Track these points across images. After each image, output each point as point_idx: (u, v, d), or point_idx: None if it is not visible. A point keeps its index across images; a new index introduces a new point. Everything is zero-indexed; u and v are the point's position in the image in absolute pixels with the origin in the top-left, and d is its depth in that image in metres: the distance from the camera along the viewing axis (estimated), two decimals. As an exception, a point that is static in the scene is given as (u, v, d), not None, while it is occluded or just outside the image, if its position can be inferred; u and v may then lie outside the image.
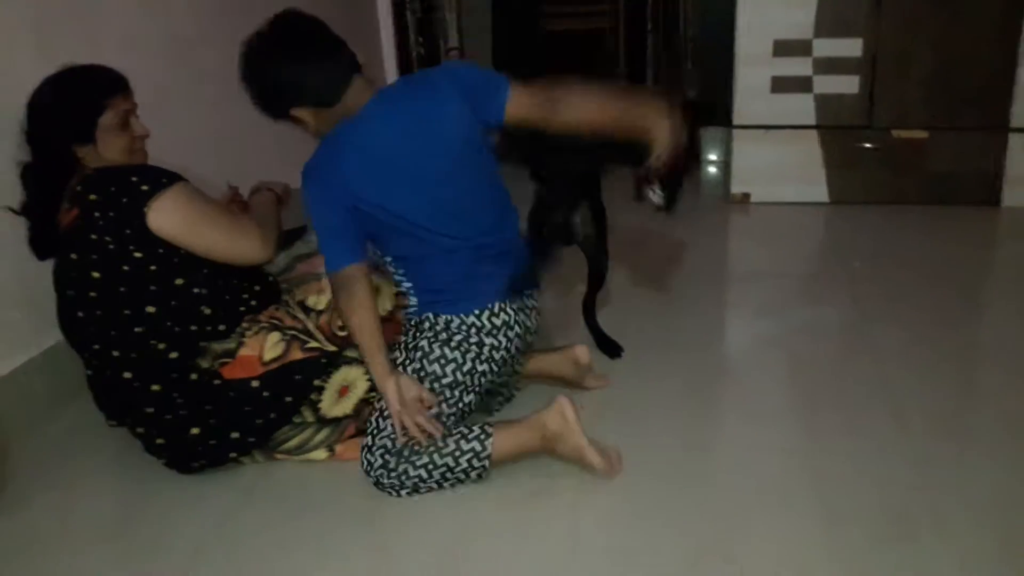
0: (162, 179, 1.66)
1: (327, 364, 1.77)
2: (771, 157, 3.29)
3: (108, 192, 1.63)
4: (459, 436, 1.67)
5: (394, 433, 1.67)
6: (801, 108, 3.24)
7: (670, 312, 2.45)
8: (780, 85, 3.22)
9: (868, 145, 3.25)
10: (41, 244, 1.76)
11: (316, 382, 1.76)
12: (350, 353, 1.80)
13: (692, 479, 1.71)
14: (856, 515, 1.57)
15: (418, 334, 1.73)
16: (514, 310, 1.75)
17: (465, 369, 1.71)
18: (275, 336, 1.76)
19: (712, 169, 3.83)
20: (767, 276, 2.73)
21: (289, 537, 1.60)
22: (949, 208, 3.18)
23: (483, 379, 1.75)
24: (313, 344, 1.78)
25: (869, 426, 1.85)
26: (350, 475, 1.74)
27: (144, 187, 1.63)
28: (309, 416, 1.78)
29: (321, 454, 1.81)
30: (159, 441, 1.74)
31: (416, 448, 1.65)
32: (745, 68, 3.24)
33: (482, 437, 1.67)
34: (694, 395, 2.01)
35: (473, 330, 1.71)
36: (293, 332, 1.78)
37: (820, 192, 3.33)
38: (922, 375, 2.06)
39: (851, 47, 3.16)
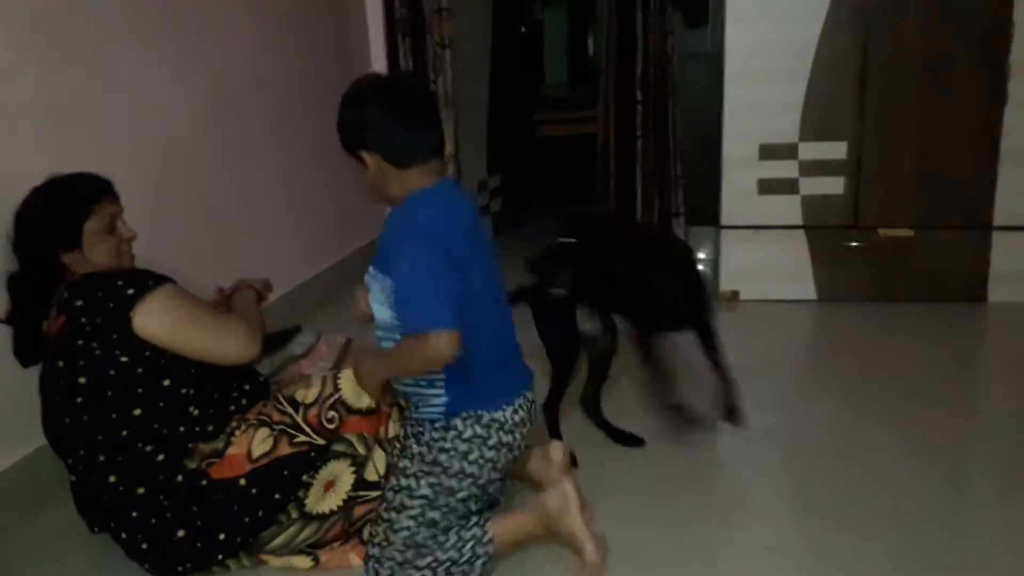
0: (148, 282, 1.68)
1: (315, 458, 1.76)
2: (759, 256, 3.34)
3: (94, 297, 1.65)
4: (458, 527, 1.65)
5: (403, 547, 1.64)
6: (788, 209, 3.31)
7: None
8: (767, 187, 3.30)
9: (855, 244, 3.30)
10: (26, 352, 1.78)
11: (304, 478, 1.75)
12: (337, 447, 1.78)
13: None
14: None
15: (438, 444, 1.67)
16: (526, 406, 1.74)
17: (480, 483, 1.69)
18: (264, 432, 1.75)
19: (701, 268, 3.87)
20: (758, 373, 2.73)
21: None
22: (936, 305, 3.21)
23: (491, 486, 1.74)
24: (301, 438, 1.76)
25: (867, 525, 1.83)
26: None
27: (130, 291, 1.65)
28: (294, 513, 1.76)
29: (305, 562, 1.77)
30: (143, 546, 1.70)
31: (421, 551, 1.63)
32: (732, 171, 3.32)
33: (480, 522, 1.65)
34: (687, 490, 1.99)
35: (495, 427, 1.68)
36: (282, 427, 1.76)
37: (808, 290, 3.36)
38: (916, 472, 2.04)
39: (836, 150, 3.25)
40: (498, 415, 1.67)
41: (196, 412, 1.72)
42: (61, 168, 1.76)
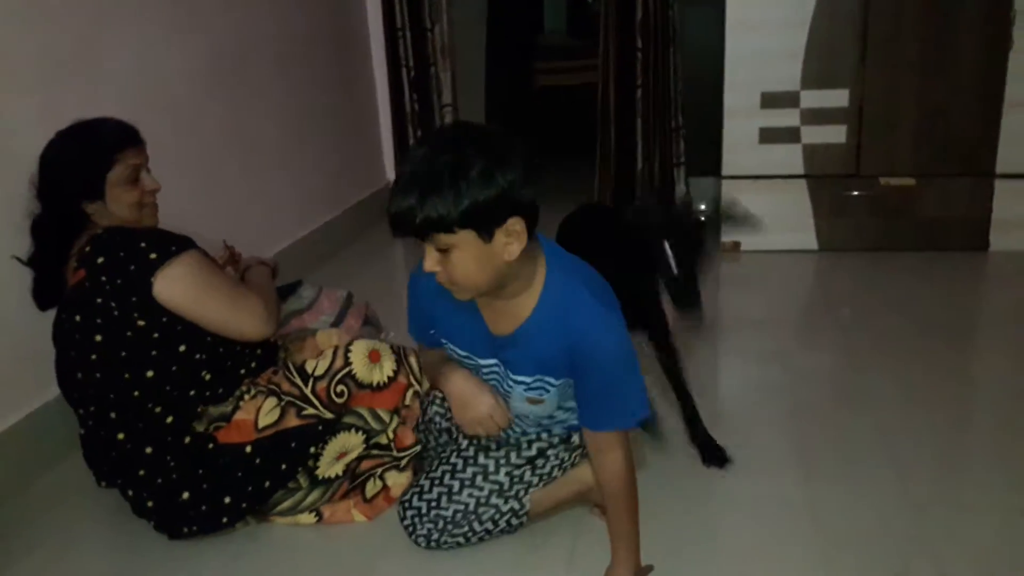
0: (171, 247, 1.65)
1: (323, 432, 1.76)
2: (760, 206, 3.26)
3: (116, 257, 1.62)
4: (498, 503, 1.66)
5: (451, 514, 1.65)
6: (789, 158, 3.28)
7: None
8: (768, 136, 3.27)
9: (856, 193, 3.28)
10: (44, 296, 1.76)
11: (312, 449, 1.75)
12: (349, 419, 1.78)
13: (688, 530, 1.71)
14: (856, 567, 1.56)
15: (551, 451, 1.69)
16: None
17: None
18: (271, 401, 1.75)
19: (703, 219, 3.86)
20: (759, 323, 2.74)
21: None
22: (938, 254, 3.20)
23: None
24: (310, 411, 1.76)
25: (867, 474, 1.85)
26: (340, 538, 1.74)
27: (152, 255, 1.62)
28: (303, 480, 1.77)
29: (309, 518, 1.79)
30: (149, 504, 1.72)
31: (463, 520, 1.64)
32: (733, 120, 3.29)
33: (520, 495, 1.66)
34: (685, 441, 2.00)
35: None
36: (290, 398, 1.76)
37: (809, 240, 3.35)
38: (916, 421, 2.06)
39: (838, 98, 3.21)
40: None
41: (208, 377, 1.72)
42: (55, 128, 1.72)
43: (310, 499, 1.78)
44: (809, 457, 1.94)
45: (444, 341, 1.60)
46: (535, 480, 1.67)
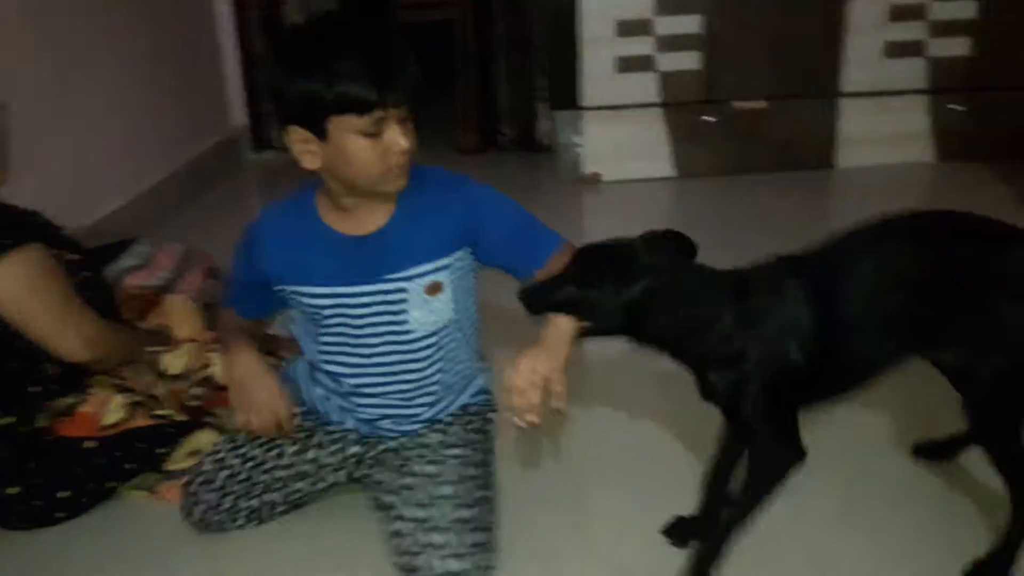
0: (8, 240, 1.48)
1: (175, 433, 1.65)
2: (619, 136, 3.34)
3: None
4: None
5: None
6: (646, 86, 3.29)
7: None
8: (625, 65, 3.27)
9: (710, 119, 3.33)
10: None
11: (161, 450, 1.64)
12: (207, 418, 1.68)
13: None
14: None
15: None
16: None
17: None
18: (119, 399, 1.63)
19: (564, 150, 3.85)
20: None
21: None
22: (791, 173, 3.31)
23: None
24: (162, 411, 1.65)
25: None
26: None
27: None
28: (152, 474, 1.67)
29: (141, 494, 1.68)
30: None
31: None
32: (590, 50, 3.26)
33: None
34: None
35: None
36: (139, 398, 1.64)
37: (668, 167, 3.40)
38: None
39: (691, 23, 3.22)
40: None
41: (51, 371, 1.59)
42: None
43: (148, 482, 1.67)
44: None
45: (296, 291, 1.45)
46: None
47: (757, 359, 1.23)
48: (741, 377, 1.24)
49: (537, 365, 1.22)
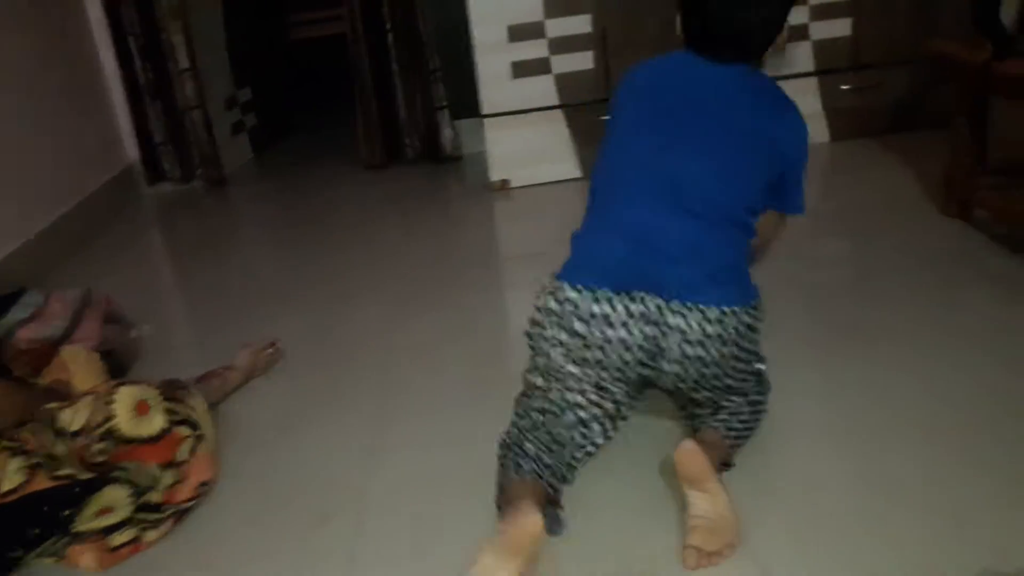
0: None
1: (82, 492, 1.52)
2: (524, 141, 3.34)
3: None
4: None
5: None
6: (544, 89, 3.30)
7: (456, 294, 2.47)
8: (520, 69, 3.27)
9: (607, 117, 3.34)
10: None
11: (66, 512, 1.52)
12: (116, 473, 1.55)
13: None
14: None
15: None
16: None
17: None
18: (16, 463, 1.50)
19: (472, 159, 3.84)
20: (538, 256, 2.75)
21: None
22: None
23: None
24: (64, 471, 1.52)
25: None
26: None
27: None
28: (61, 537, 1.54)
29: (49, 562, 1.56)
30: None
31: None
32: (484, 57, 3.25)
33: None
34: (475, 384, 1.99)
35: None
36: (39, 458, 1.52)
37: (574, 168, 3.41)
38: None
39: (581, 24, 3.24)
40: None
41: None
42: None
43: (56, 547, 1.55)
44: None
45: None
46: None
47: None
48: None
49: None
